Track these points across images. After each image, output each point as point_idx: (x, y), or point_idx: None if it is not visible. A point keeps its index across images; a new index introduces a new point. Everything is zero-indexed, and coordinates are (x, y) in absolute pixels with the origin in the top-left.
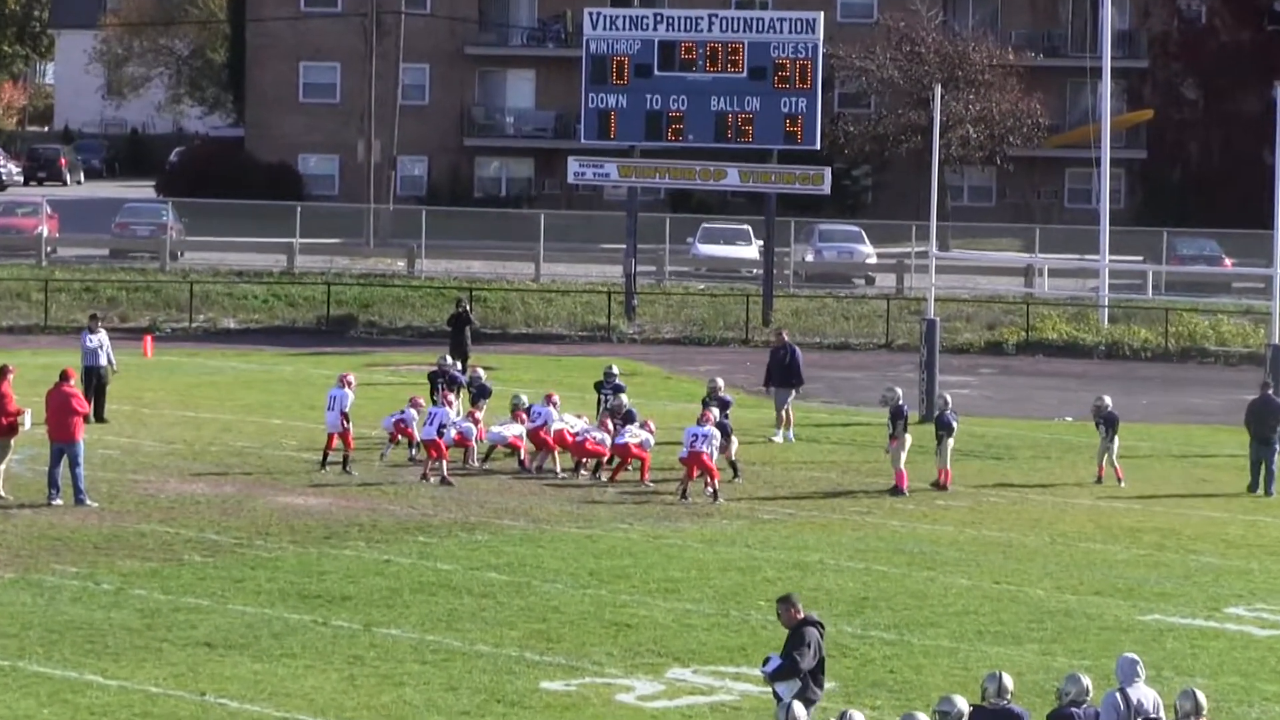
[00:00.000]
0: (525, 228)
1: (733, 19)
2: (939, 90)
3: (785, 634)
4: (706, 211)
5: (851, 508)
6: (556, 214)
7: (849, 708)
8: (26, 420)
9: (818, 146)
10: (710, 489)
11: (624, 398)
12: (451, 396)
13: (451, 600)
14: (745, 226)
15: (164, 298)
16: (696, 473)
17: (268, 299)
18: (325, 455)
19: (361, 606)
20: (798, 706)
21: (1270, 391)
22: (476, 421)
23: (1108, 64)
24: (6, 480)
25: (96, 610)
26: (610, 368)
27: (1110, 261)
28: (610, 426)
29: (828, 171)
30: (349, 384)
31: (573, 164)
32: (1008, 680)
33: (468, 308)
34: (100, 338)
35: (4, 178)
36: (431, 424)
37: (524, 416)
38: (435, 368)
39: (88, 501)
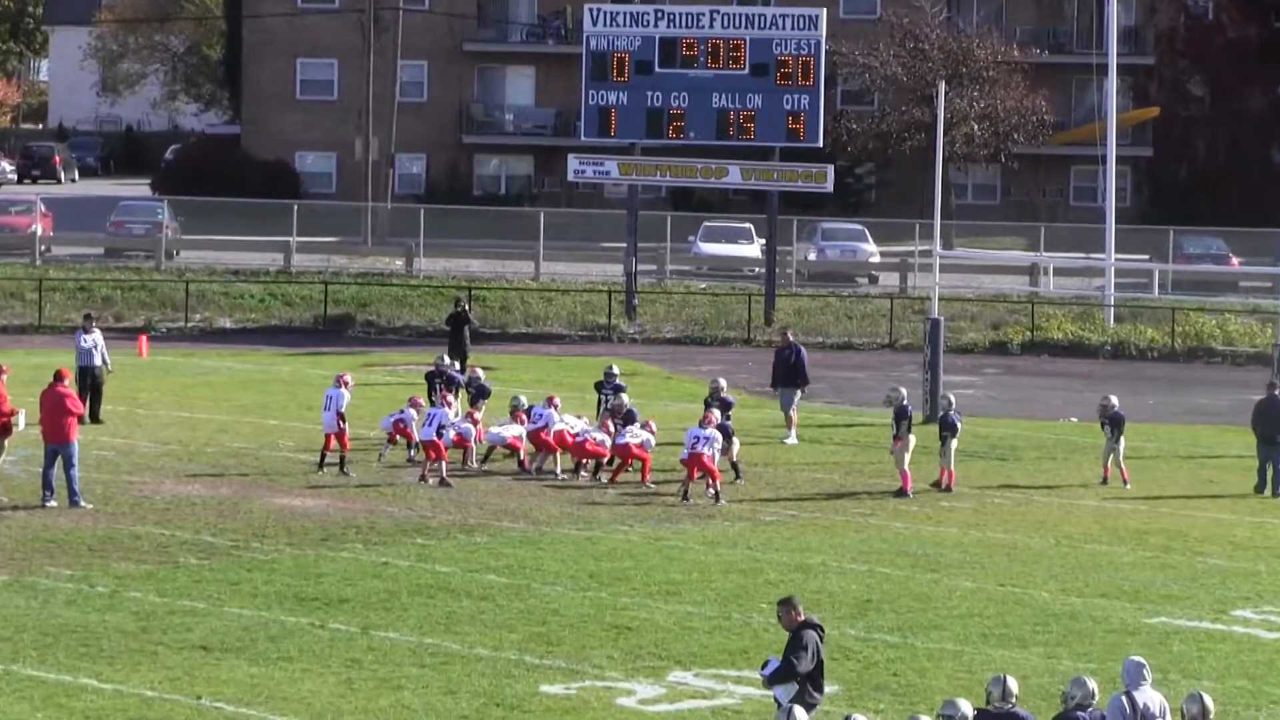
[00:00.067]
0: (525, 226)
1: (734, 15)
2: (943, 87)
3: (787, 637)
4: (708, 210)
5: (855, 509)
6: (556, 212)
7: (853, 711)
8: (20, 421)
9: (820, 144)
10: (712, 490)
11: (625, 398)
12: (450, 397)
13: (450, 603)
14: (747, 225)
15: (159, 297)
16: (698, 474)
17: (264, 298)
18: (323, 456)
19: (359, 609)
20: (799, 710)
21: (1277, 392)
22: (475, 422)
23: (1113, 61)
24: (0, 481)
25: (91, 613)
26: (611, 368)
27: (1116, 260)
28: (611, 427)
29: (830, 169)
30: (346, 384)
31: (573, 162)
32: (1012, 684)
33: (467, 307)
34: (95, 337)
35: None
36: (430, 425)
37: (524, 418)
38: (432, 368)
39: (82, 503)
